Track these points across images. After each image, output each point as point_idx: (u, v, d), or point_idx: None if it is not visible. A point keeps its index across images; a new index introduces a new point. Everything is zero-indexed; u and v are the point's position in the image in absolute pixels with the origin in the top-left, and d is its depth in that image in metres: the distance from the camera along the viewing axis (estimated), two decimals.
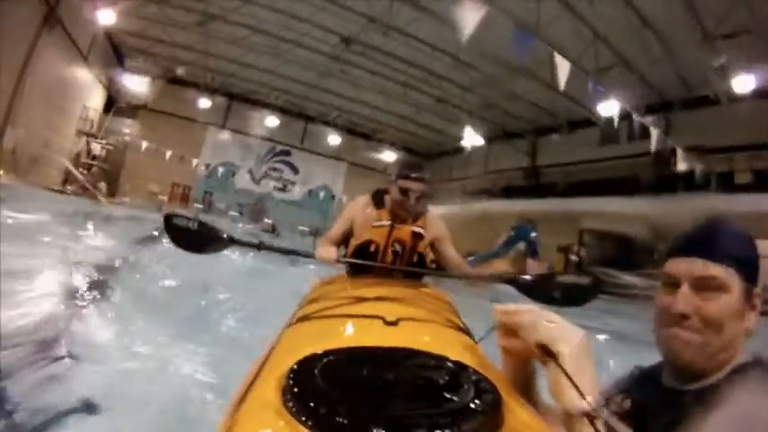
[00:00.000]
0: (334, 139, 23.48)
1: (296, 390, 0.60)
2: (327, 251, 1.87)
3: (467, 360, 0.79)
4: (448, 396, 0.63)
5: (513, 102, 15.58)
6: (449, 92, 15.94)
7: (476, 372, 0.73)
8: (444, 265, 2.01)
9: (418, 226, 1.90)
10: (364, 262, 1.84)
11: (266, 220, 19.32)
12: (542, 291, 1.43)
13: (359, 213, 1.97)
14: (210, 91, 21.02)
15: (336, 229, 2.03)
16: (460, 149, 19.61)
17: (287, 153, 24.41)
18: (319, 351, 0.74)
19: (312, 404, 0.56)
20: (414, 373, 0.71)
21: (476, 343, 1.05)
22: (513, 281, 1.52)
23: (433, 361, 0.76)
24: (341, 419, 0.53)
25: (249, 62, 17.33)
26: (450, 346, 0.91)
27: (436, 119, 18.98)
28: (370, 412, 0.56)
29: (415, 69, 14.90)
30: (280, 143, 23.91)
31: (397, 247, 1.86)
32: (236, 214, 20.69)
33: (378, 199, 1.97)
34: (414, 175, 1.86)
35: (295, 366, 0.67)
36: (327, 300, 1.26)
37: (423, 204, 1.89)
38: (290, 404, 0.58)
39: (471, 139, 18.09)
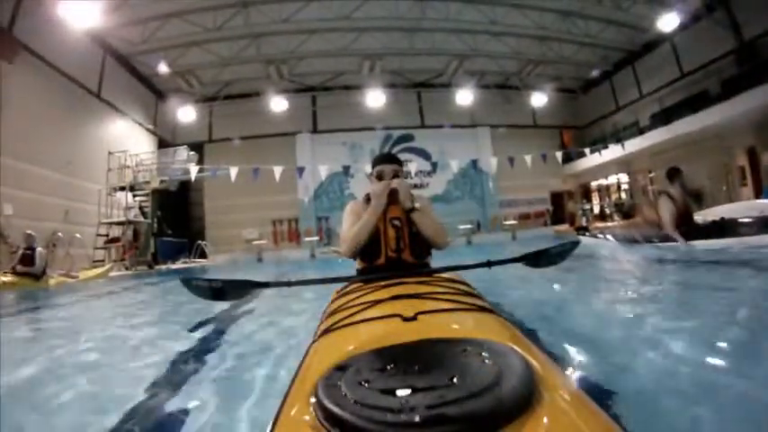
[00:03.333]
0: (464, 98, 19.61)
1: (324, 403, 0.61)
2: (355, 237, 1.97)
3: (492, 337, 0.82)
4: (476, 376, 0.62)
5: None
6: None
7: (503, 346, 0.75)
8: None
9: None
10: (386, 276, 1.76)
11: None
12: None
13: (360, 210, 2.10)
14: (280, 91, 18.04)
15: (349, 227, 2.12)
16: (640, 54, 18.14)
17: (408, 138, 20.68)
18: (342, 361, 0.77)
19: (341, 416, 0.57)
20: (436, 362, 0.71)
21: (501, 318, 1.09)
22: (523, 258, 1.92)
23: (456, 345, 0.77)
24: (371, 427, 0.54)
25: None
26: (471, 328, 0.95)
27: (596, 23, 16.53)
28: (398, 413, 0.55)
29: None
30: (395, 128, 20.58)
31: (396, 222, 1.98)
32: None
33: (368, 197, 2.13)
34: (384, 159, 2.12)
35: (321, 380, 0.69)
36: (346, 309, 1.26)
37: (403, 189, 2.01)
38: (321, 418, 0.60)
39: (666, 23, 15.12)
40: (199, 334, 3.07)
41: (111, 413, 1.61)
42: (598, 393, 1.29)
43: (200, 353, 2.56)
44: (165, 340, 2.96)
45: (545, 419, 0.56)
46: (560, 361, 1.65)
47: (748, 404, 1.29)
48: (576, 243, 2.10)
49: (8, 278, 7.33)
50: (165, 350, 2.63)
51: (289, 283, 1.95)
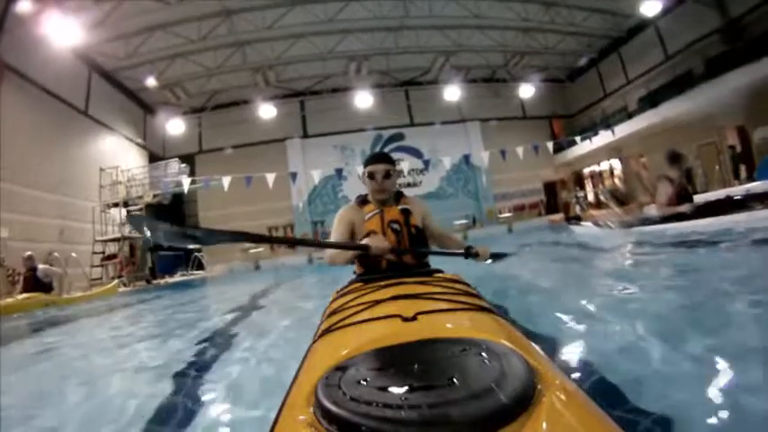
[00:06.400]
0: (451, 93, 19.78)
1: (324, 403, 0.62)
2: (338, 254, 2.02)
3: (492, 337, 0.83)
4: (476, 376, 0.63)
5: None
6: None
7: (502, 346, 0.76)
8: (430, 238, 2.27)
9: (403, 204, 2.10)
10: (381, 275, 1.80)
11: None
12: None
13: (352, 217, 2.11)
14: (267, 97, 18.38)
15: (337, 237, 2.14)
16: (626, 39, 18.33)
17: (399, 137, 20.79)
18: (342, 361, 0.78)
19: (341, 416, 0.58)
20: (436, 362, 0.72)
21: (501, 318, 1.09)
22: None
23: (455, 345, 0.77)
24: (371, 426, 0.55)
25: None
26: (471, 328, 0.95)
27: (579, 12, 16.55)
28: (396, 414, 0.56)
29: None
30: (385, 128, 20.65)
31: (395, 226, 1.99)
32: None
33: (361, 200, 2.16)
34: (376, 159, 2.10)
35: (321, 380, 0.70)
36: (346, 309, 1.27)
37: (392, 183, 2.08)
38: (321, 418, 0.61)
39: (648, 7, 15.17)
40: (203, 342, 3.08)
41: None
42: (598, 393, 1.31)
43: (204, 360, 2.58)
44: (175, 346, 2.99)
45: (544, 419, 0.57)
46: (560, 360, 1.67)
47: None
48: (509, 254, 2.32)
49: (18, 297, 7.05)
50: (175, 355, 2.67)
51: (286, 240, 1.85)
